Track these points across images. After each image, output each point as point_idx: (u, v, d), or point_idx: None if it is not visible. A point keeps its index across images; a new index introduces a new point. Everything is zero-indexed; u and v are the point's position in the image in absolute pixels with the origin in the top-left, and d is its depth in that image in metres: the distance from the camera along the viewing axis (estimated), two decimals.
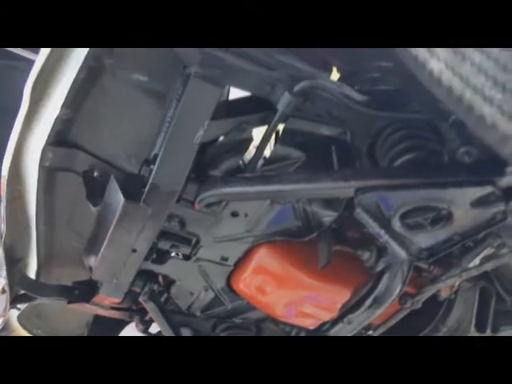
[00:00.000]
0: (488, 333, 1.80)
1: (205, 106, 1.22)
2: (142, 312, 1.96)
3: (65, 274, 1.81)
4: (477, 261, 1.55)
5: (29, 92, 1.31)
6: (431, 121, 1.36)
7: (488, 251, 1.56)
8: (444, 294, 1.81)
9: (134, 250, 1.45)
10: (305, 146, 1.42)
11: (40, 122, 1.39)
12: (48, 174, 1.47)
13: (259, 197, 1.37)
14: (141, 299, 1.70)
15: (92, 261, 1.53)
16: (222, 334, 2.01)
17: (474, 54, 0.77)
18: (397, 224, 1.31)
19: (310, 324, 1.73)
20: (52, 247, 1.69)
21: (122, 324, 2.24)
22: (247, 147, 1.37)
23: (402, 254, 1.39)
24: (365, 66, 1.47)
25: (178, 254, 1.62)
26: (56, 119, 1.36)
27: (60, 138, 1.43)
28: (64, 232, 1.66)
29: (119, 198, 1.30)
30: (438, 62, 0.83)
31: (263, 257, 1.58)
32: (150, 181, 1.27)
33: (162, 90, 1.36)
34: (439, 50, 0.83)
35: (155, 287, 1.69)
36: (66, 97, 1.28)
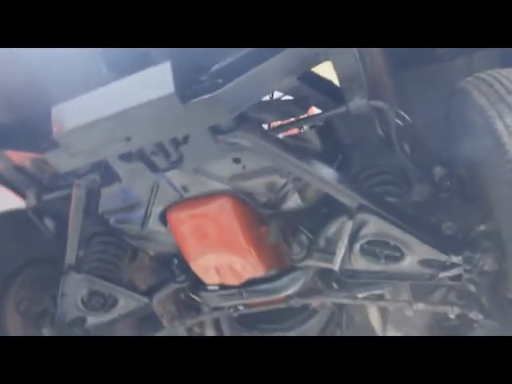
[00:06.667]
0: None
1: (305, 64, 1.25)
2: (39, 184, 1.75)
3: None
4: (365, 294, 1.86)
5: None
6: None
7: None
8: (315, 304, 2.09)
9: (128, 139, 1.33)
10: (324, 142, 1.54)
11: None
12: None
13: (280, 164, 1.42)
14: (76, 181, 1.54)
15: (68, 118, 1.34)
16: (94, 248, 1.92)
17: None
18: (358, 245, 1.52)
19: (211, 280, 1.80)
20: None
21: None
22: (293, 116, 1.41)
23: (336, 265, 1.59)
24: None
25: None
26: None
27: None
28: None
29: (168, 88, 1.21)
30: None
31: (221, 205, 1.59)
32: (217, 92, 1.21)
33: None
34: None
35: (97, 178, 1.55)
36: None
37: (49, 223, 1.88)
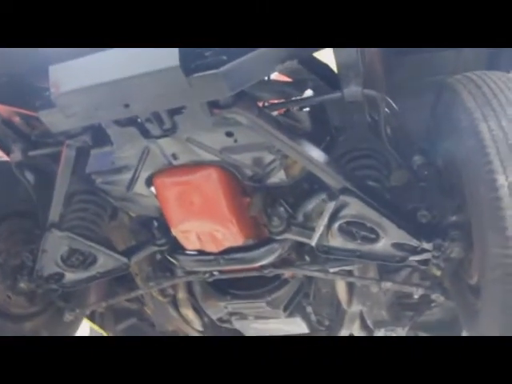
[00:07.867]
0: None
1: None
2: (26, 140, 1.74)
3: None
4: (336, 270, 1.97)
5: None
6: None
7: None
8: (287, 275, 2.19)
9: (126, 105, 1.34)
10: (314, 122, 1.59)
11: None
12: None
13: (271, 142, 1.46)
14: (68, 142, 1.54)
15: (67, 79, 1.33)
16: (75, 205, 1.93)
17: None
18: (337, 224, 1.60)
19: (191, 245, 1.85)
20: None
21: None
22: (289, 97, 1.45)
23: (313, 241, 1.68)
24: None
25: None
26: None
27: None
28: None
29: (173, 60, 1.22)
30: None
31: (208, 174, 1.63)
32: (220, 69, 1.23)
33: None
34: None
35: (88, 139, 1.56)
36: None
37: (31, 178, 1.87)
